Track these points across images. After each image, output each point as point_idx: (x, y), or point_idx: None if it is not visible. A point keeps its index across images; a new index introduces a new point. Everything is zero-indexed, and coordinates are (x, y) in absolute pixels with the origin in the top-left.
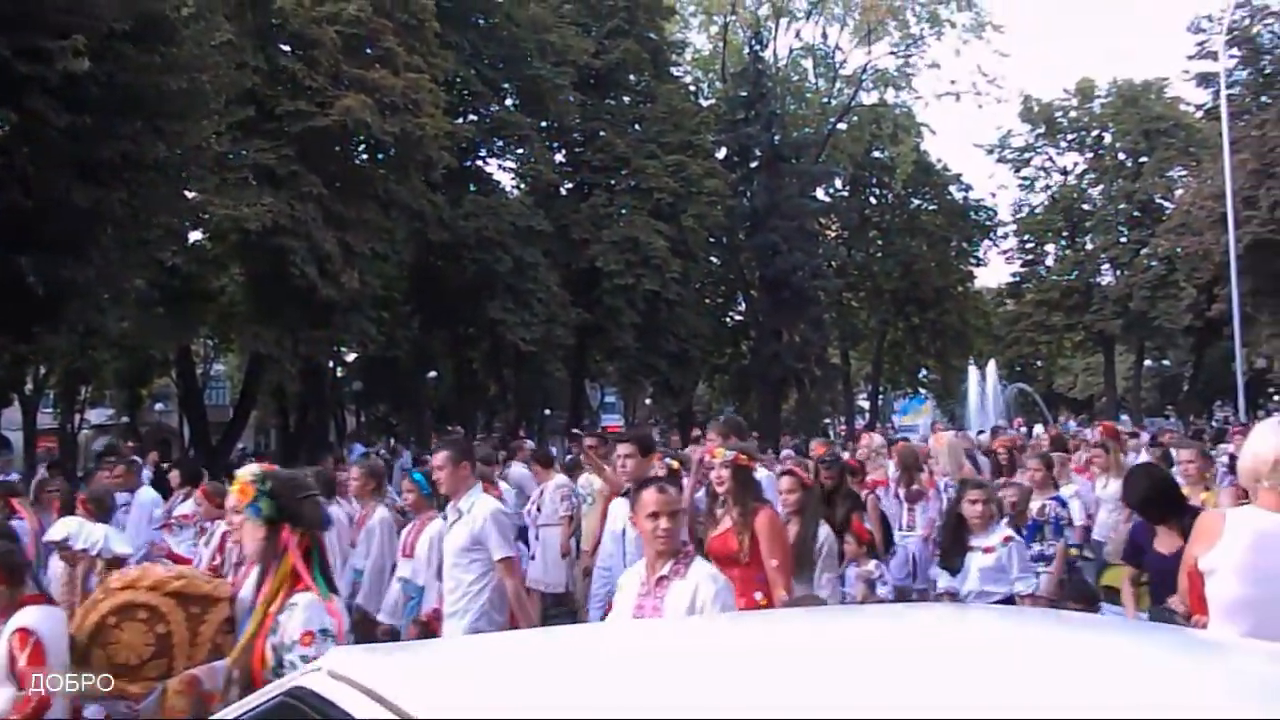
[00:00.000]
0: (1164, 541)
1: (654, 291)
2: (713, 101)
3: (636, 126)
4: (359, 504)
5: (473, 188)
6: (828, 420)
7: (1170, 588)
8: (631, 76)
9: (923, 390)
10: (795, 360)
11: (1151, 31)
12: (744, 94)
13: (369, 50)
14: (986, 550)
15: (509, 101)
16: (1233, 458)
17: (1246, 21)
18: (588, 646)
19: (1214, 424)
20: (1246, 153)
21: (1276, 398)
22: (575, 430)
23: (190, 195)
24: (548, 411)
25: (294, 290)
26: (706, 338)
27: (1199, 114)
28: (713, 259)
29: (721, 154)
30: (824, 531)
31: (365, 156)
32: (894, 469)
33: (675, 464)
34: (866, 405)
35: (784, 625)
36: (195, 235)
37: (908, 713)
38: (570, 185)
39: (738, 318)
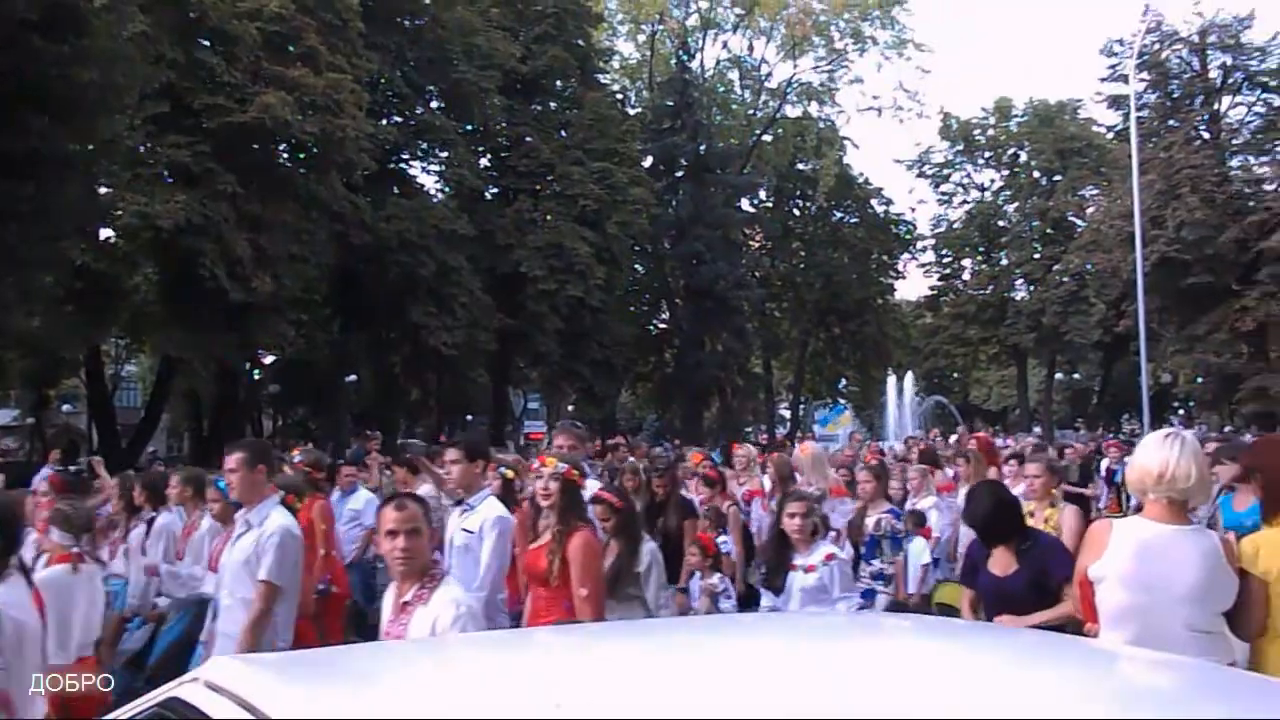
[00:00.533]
0: (998, 562)
1: (578, 298)
2: (639, 110)
3: (563, 133)
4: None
5: (396, 190)
6: (749, 429)
7: (1002, 609)
8: (558, 83)
9: (843, 400)
10: (718, 369)
11: (1067, 53)
12: (670, 103)
13: (291, 48)
14: (808, 569)
15: (434, 104)
16: (1110, 470)
17: (1156, 47)
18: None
19: (1121, 436)
20: (1154, 174)
21: (1181, 411)
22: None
23: (101, 191)
24: (470, 417)
25: (207, 292)
26: (630, 345)
27: (1110, 135)
28: (637, 267)
29: (647, 162)
30: (649, 548)
31: (286, 156)
32: (768, 480)
33: (510, 474)
34: (788, 414)
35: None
36: (106, 233)
37: None
38: (495, 190)
39: (662, 326)
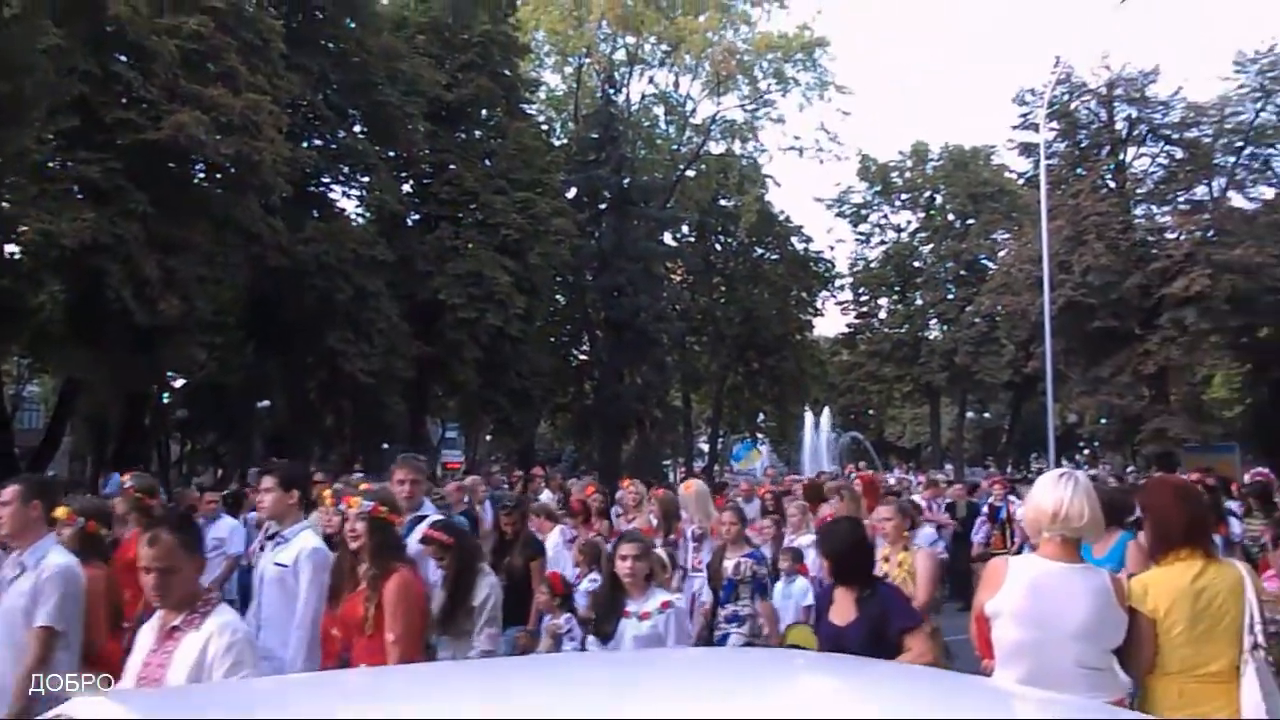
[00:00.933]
0: (839, 610)
1: (497, 327)
2: (564, 141)
3: (487, 161)
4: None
5: (315, 214)
6: (667, 462)
7: None
8: (484, 112)
9: (761, 434)
10: (637, 401)
11: (981, 100)
12: (595, 136)
13: (210, 67)
14: (642, 616)
15: (357, 129)
16: (993, 508)
17: (1066, 97)
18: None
19: (1029, 475)
20: (1062, 220)
21: (1086, 451)
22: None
23: (5, 206)
24: (386, 445)
25: (112, 313)
26: (549, 376)
27: (1021, 181)
28: (558, 297)
29: (571, 194)
30: (488, 583)
31: (202, 176)
32: (654, 518)
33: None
34: (707, 448)
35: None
36: (11, 248)
37: None
38: (416, 216)
39: (582, 357)
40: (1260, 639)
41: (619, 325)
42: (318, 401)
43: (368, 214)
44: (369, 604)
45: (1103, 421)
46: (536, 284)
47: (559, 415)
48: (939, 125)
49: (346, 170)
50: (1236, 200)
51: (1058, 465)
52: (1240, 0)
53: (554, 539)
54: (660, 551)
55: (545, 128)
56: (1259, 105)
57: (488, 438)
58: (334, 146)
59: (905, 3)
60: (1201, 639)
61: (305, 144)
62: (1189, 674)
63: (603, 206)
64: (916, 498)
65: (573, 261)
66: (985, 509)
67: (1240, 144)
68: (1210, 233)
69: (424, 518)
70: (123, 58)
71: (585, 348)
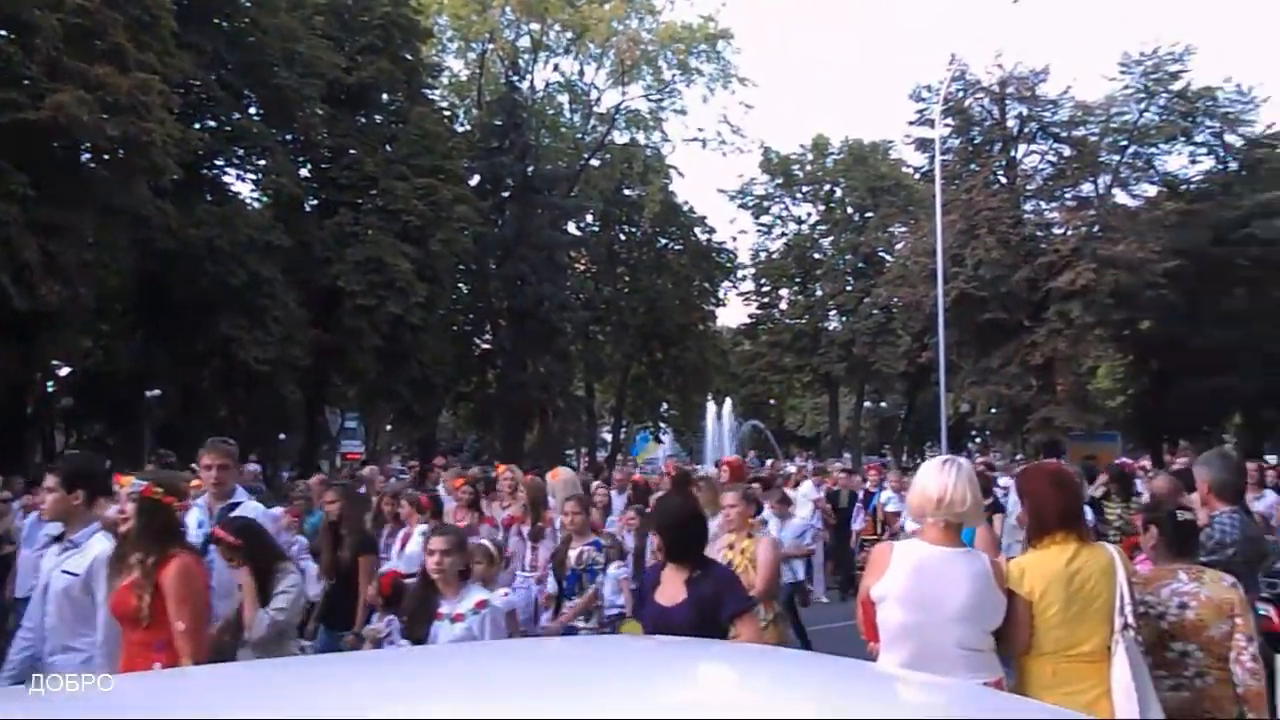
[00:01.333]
0: (666, 591)
1: (397, 315)
2: (467, 128)
3: (388, 147)
4: None
5: (209, 197)
6: (570, 452)
7: None
8: (384, 96)
9: (664, 424)
10: (540, 391)
11: (880, 96)
12: (499, 123)
13: (96, 43)
14: (455, 618)
15: (252, 110)
16: (868, 495)
17: (961, 95)
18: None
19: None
20: (956, 214)
21: (978, 440)
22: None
23: None
24: (282, 435)
25: None
26: (451, 365)
27: (917, 176)
28: (461, 286)
29: (474, 181)
30: (288, 582)
31: (88, 158)
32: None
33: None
34: (610, 438)
35: None
36: None
37: None
38: (315, 201)
39: (484, 346)
40: (1130, 619)
41: (522, 314)
42: (211, 390)
43: (264, 198)
44: (143, 592)
45: (993, 411)
46: (438, 271)
47: (461, 405)
48: (840, 119)
49: (241, 153)
50: (1121, 197)
51: (950, 453)
52: (1126, 2)
53: (418, 534)
54: (485, 542)
55: (448, 113)
56: (1143, 106)
57: (388, 428)
58: (228, 128)
59: None
60: (1075, 620)
61: (197, 125)
62: (1062, 654)
63: (506, 194)
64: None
65: (475, 249)
66: (862, 496)
67: (1125, 143)
68: (1096, 228)
69: (236, 505)
70: (1, 32)
71: (488, 337)
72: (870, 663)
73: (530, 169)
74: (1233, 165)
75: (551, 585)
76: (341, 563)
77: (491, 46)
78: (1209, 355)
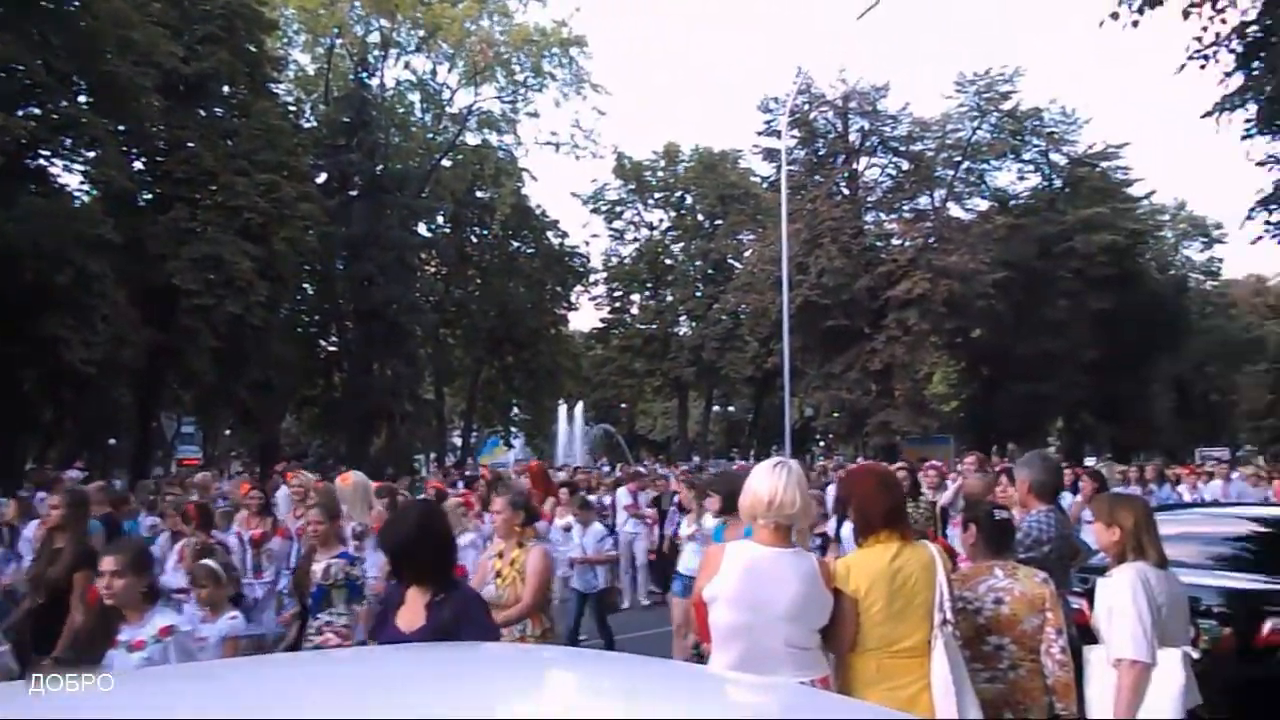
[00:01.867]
0: (407, 614)
1: (237, 315)
2: (314, 124)
3: (228, 141)
4: None
5: (32, 188)
6: (419, 456)
7: None
8: (226, 88)
9: (514, 428)
10: (387, 394)
11: (731, 105)
12: (347, 120)
13: None
14: (134, 646)
15: (81, 99)
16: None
17: (806, 107)
18: None
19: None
20: (801, 223)
21: (821, 443)
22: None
23: None
24: (113, 441)
25: None
26: (295, 367)
27: (764, 185)
28: (305, 286)
29: (321, 179)
30: None
31: None
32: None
33: None
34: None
35: None
36: None
37: None
38: (149, 196)
39: (330, 348)
40: (949, 615)
41: (370, 316)
42: (34, 393)
43: (93, 191)
44: None
45: (835, 415)
46: (281, 271)
47: (305, 409)
48: (691, 127)
49: (69, 143)
50: (955, 211)
51: (794, 456)
52: (962, 23)
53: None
54: (209, 563)
55: (293, 108)
56: (975, 124)
57: (227, 432)
58: (55, 116)
59: (661, 4)
60: (897, 617)
61: (20, 112)
62: (885, 650)
63: (354, 193)
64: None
65: (321, 249)
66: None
67: (959, 159)
68: (931, 240)
69: None
70: None
71: (334, 339)
72: (677, 661)
73: (379, 168)
74: (1057, 182)
75: (293, 604)
76: (51, 578)
77: (340, 41)
78: (1033, 362)
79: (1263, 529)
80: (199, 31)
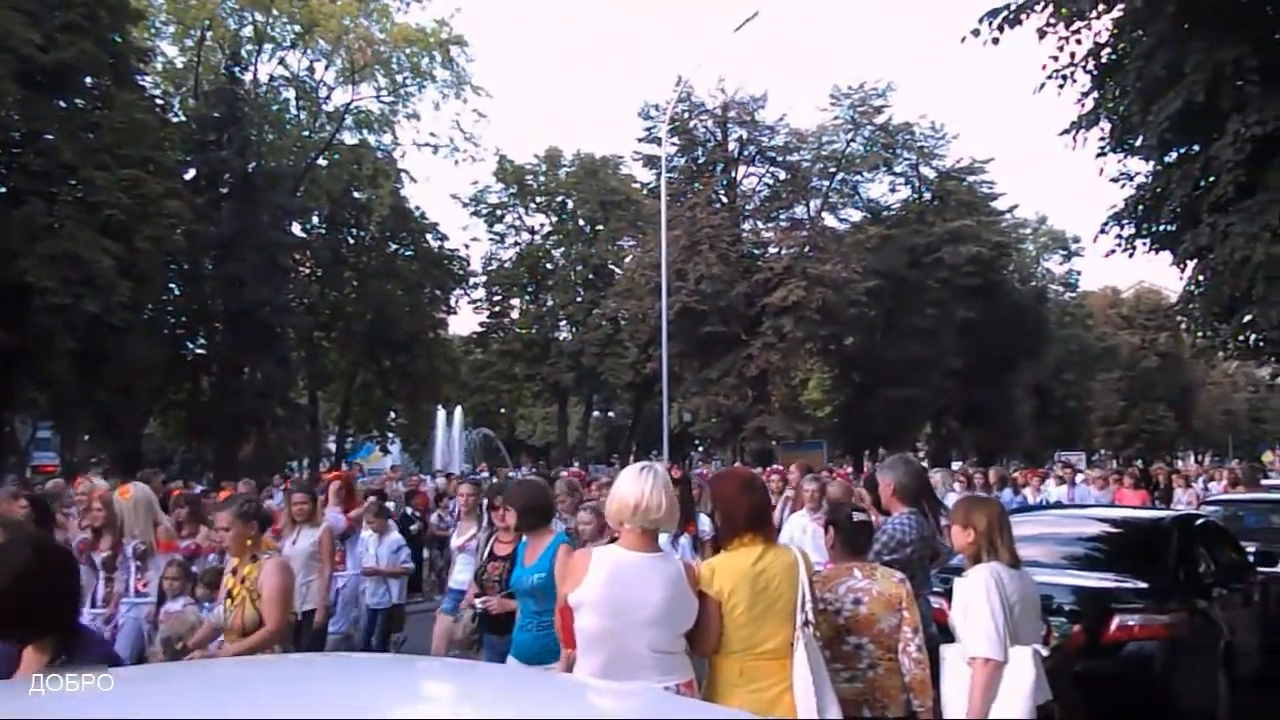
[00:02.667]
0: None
1: (96, 315)
2: (182, 119)
3: (89, 134)
4: None
5: None
6: (292, 463)
7: None
8: (88, 79)
9: (391, 433)
10: (258, 399)
11: (613, 111)
12: (217, 115)
13: None
14: None
15: None
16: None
17: (686, 115)
18: None
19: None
20: (680, 230)
21: (700, 448)
22: None
23: None
24: None
25: None
26: (160, 370)
27: (645, 192)
28: (172, 285)
29: (189, 175)
30: None
31: None
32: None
33: None
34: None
35: None
36: None
37: None
38: (2, 190)
39: (199, 351)
40: (810, 616)
41: (240, 317)
42: None
43: None
44: None
45: (713, 420)
46: (145, 270)
47: (171, 413)
48: (574, 132)
49: None
50: (829, 221)
51: (673, 461)
52: (838, 37)
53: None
54: None
55: (160, 102)
56: (850, 136)
57: (86, 438)
58: None
59: (543, 9)
60: (760, 619)
61: None
62: (749, 652)
63: (224, 191)
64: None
65: (189, 248)
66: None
67: (834, 170)
68: (807, 249)
69: None
70: None
71: (202, 341)
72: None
73: (251, 165)
74: (926, 195)
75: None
76: None
77: (211, 34)
78: (903, 369)
79: (1112, 529)
80: (59, 19)
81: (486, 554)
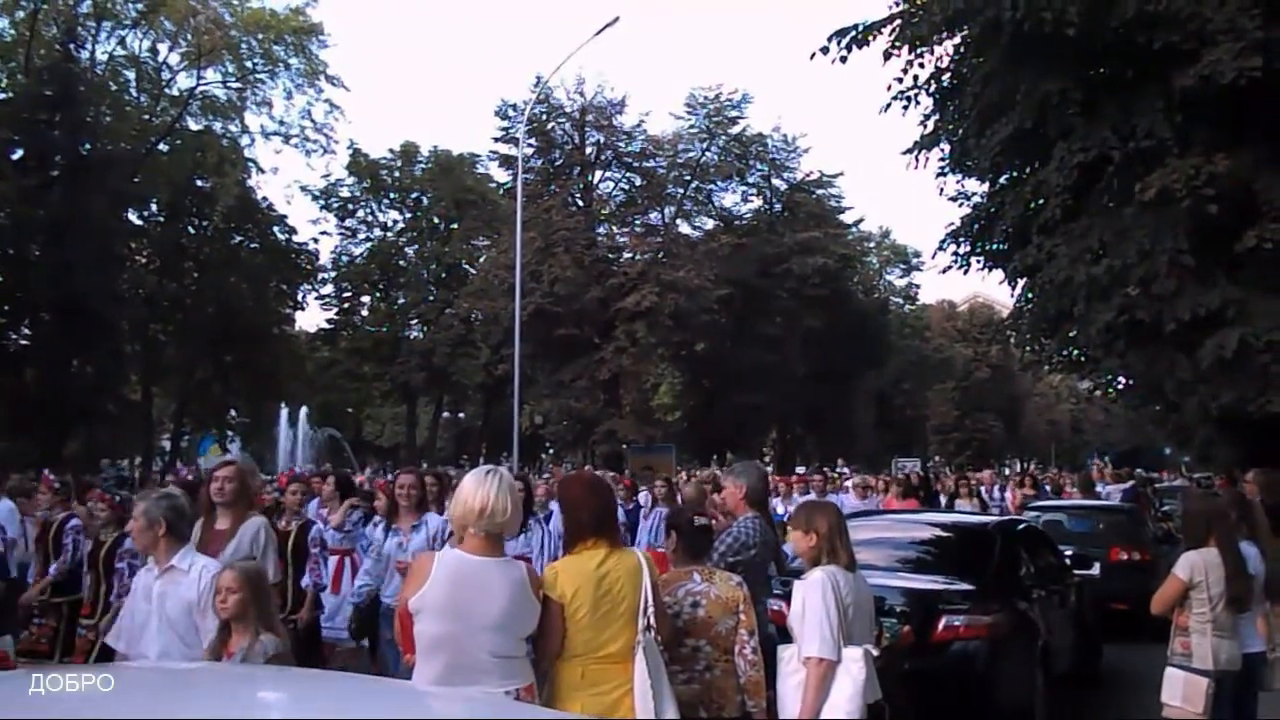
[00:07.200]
0: None
1: None
2: (10, 95)
3: None
4: None
5: None
6: (124, 460)
7: None
8: None
9: (231, 431)
10: (88, 393)
11: (469, 107)
12: (49, 93)
13: None
14: None
15: None
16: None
17: (544, 117)
18: None
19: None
20: (535, 232)
21: (551, 450)
22: None
23: None
24: None
25: None
26: None
27: (501, 191)
28: None
29: (16, 155)
30: None
31: None
32: None
33: None
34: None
35: None
36: None
37: None
38: None
39: (23, 342)
40: (652, 620)
41: (68, 307)
42: None
43: None
44: None
45: (564, 423)
46: None
47: None
48: (430, 128)
49: None
50: (683, 228)
51: (523, 464)
52: (696, 45)
53: None
54: None
55: None
56: (705, 145)
57: None
58: None
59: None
60: (602, 622)
61: None
62: (591, 656)
63: (55, 173)
64: None
65: (14, 232)
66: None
67: (689, 178)
68: (660, 255)
69: None
70: None
71: (26, 331)
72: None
73: (86, 147)
74: (777, 206)
75: None
76: None
77: (45, 7)
78: (751, 376)
79: (941, 533)
80: None
81: None
